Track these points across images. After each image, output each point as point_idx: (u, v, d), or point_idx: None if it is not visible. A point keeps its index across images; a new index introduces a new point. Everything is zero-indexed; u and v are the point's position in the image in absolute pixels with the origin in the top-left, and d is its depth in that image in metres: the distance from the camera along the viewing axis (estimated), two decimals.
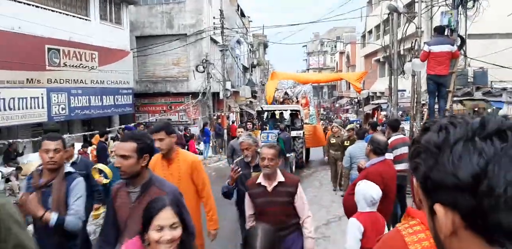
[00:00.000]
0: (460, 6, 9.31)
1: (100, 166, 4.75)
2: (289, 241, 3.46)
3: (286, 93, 19.61)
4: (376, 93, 30.32)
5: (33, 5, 12.99)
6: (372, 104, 30.27)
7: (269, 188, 3.45)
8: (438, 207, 0.68)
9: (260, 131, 13.84)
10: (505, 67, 11.41)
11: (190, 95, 21.31)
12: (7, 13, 11.65)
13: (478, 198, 0.62)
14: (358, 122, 25.92)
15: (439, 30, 8.35)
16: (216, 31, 21.37)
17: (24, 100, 12.06)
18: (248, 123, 13.09)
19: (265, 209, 3.46)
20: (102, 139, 10.36)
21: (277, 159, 3.47)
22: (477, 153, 0.64)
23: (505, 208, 0.60)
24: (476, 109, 13.02)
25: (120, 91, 17.53)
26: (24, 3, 12.63)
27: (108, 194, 3.04)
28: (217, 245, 5.45)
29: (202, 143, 18.49)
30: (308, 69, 69.55)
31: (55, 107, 13.42)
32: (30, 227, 3.39)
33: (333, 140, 10.92)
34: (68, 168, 3.27)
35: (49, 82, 13.28)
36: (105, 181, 4.57)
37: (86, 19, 15.85)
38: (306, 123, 15.71)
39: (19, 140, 11.52)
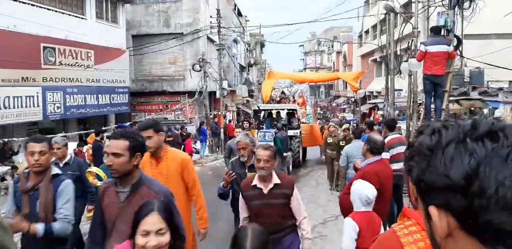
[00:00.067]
0: (457, 6, 9.33)
1: (95, 169, 4.74)
2: (286, 243, 3.44)
3: (283, 92, 19.61)
4: (372, 92, 30.39)
5: (28, 4, 12.92)
6: (369, 103, 30.33)
7: (265, 191, 3.38)
8: (432, 210, 0.68)
9: (257, 130, 13.83)
10: (501, 67, 11.45)
11: (187, 94, 21.27)
12: (2, 12, 11.59)
13: (470, 198, 0.63)
14: (355, 121, 25.96)
15: (436, 30, 8.37)
16: (213, 30, 21.33)
17: (19, 99, 12.01)
18: (245, 122, 13.06)
19: (261, 212, 3.40)
20: (98, 138, 10.32)
21: (273, 160, 3.40)
22: (468, 154, 0.65)
23: (496, 208, 0.61)
24: (472, 108, 13.06)
25: (116, 90, 17.47)
26: (20, 2, 12.56)
27: None
28: (212, 246, 5.45)
29: (198, 142, 18.48)
30: (305, 69, 69.61)
31: (51, 106, 13.36)
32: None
33: (330, 140, 10.93)
34: (55, 170, 3.20)
35: (44, 80, 13.22)
36: (99, 183, 4.55)
37: (82, 18, 15.78)
38: (303, 122, 15.72)
39: (14, 139, 11.48)
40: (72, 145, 11.29)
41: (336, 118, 33.29)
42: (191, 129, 19.66)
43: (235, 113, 28.74)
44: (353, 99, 38.33)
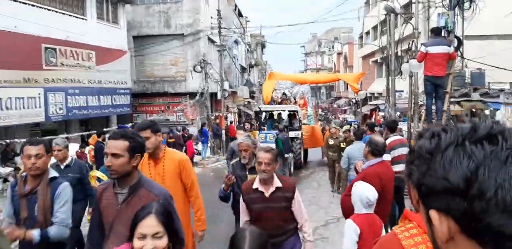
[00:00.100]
0: (457, 7, 9.34)
1: (98, 174, 4.74)
2: (288, 246, 3.42)
3: (284, 94, 19.64)
4: (374, 93, 30.37)
5: (29, 4, 12.95)
6: (370, 105, 30.30)
7: (267, 194, 3.34)
8: (433, 213, 0.69)
9: (258, 131, 13.84)
10: (502, 68, 11.44)
11: (188, 95, 21.28)
12: (3, 13, 11.61)
13: (469, 201, 0.63)
14: (356, 122, 25.95)
15: (436, 31, 8.37)
16: (213, 31, 21.36)
17: (21, 100, 12.02)
18: (246, 123, 13.12)
19: (262, 215, 3.36)
20: (100, 139, 10.34)
21: (274, 163, 3.36)
22: (467, 157, 0.65)
23: (496, 211, 0.61)
24: (473, 110, 13.03)
25: (118, 91, 17.50)
26: (21, 2, 12.59)
27: None
28: (213, 248, 5.45)
29: (200, 143, 18.48)
30: (306, 70, 69.59)
31: (53, 107, 13.38)
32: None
33: (331, 142, 10.87)
34: (52, 173, 3.15)
35: (46, 81, 13.24)
36: None
37: (83, 19, 15.81)
38: (304, 124, 15.72)
39: (16, 140, 11.49)
40: (74, 147, 11.31)
41: (338, 119, 33.29)
42: (193, 130, 19.66)
43: (236, 114, 28.75)
44: (354, 100, 38.29)
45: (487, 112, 12.32)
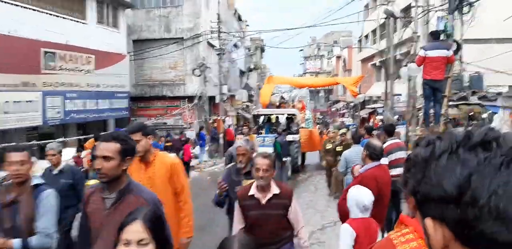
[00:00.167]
0: (456, 11, 9.35)
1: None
2: None
3: (282, 97, 19.64)
4: (372, 97, 30.41)
5: (29, 8, 12.97)
6: (368, 108, 30.35)
7: (263, 201, 3.28)
8: (428, 221, 0.68)
9: (256, 135, 13.82)
10: (500, 72, 11.46)
11: (187, 99, 21.29)
12: (3, 16, 11.63)
13: (462, 208, 0.63)
14: (354, 126, 25.96)
15: (435, 35, 8.38)
16: (213, 35, 21.40)
17: (19, 104, 12.00)
18: (244, 127, 13.11)
19: (258, 222, 3.29)
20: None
21: (272, 169, 3.29)
22: (461, 164, 0.65)
23: (489, 218, 0.60)
24: (471, 113, 13.05)
25: (116, 94, 17.48)
26: (21, 6, 12.60)
27: None
28: None
29: (197, 147, 18.45)
30: (304, 73, 69.72)
31: (50, 111, 13.36)
32: None
33: (329, 146, 10.72)
34: (36, 180, 3.03)
35: (44, 85, 13.23)
36: None
37: (82, 23, 15.83)
38: (302, 127, 15.71)
39: (13, 144, 11.45)
40: (70, 152, 11.28)
41: (336, 122, 33.32)
42: (191, 134, 19.64)
43: (234, 118, 28.76)
44: (352, 104, 38.35)
45: (485, 115, 12.33)
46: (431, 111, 8.51)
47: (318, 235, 7.10)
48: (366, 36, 34.17)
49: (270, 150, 11.09)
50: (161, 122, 20.81)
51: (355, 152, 6.78)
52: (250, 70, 39.97)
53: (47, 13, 13.81)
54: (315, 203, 9.69)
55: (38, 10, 13.39)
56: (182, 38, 21.34)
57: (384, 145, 5.54)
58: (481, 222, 0.61)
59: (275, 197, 3.27)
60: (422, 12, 12.21)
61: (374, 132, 9.21)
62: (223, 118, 22.18)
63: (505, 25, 14.77)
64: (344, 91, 41.41)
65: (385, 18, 15.75)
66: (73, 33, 14.67)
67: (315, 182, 12.90)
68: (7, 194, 2.92)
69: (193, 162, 16.51)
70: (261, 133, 14.58)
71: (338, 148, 9.34)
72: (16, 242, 2.72)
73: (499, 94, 11.37)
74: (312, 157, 16.68)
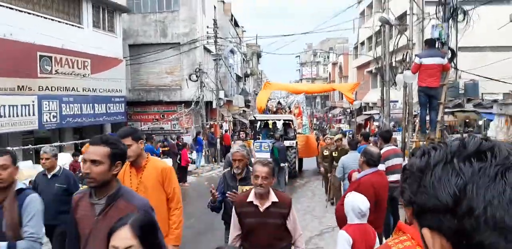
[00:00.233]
0: (451, 19, 9.44)
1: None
2: None
3: (279, 103, 19.69)
4: (368, 103, 30.54)
5: (25, 12, 12.95)
6: (365, 114, 30.47)
7: (261, 208, 3.22)
8: (425, 232, 0.68)
9: (253, 140, 13.83)
10: (495, 80, 11.55)
11: (183, 104, 21.27)
12: None
13: (459, 219, 0.62)
14: (350, 132, 26.03)
15: (430, 43, 8.46)
16: (209, 40, 21.46)
17: (15, 108, 11.94)
18: (241, 132, 13.12)
19: (255, 230, 3.23)
20: None
21: (272, 177, 3.24)
22: (455, 175, 0.64)
23: (486, 228, 0.60)
24: (467, 120, 13.13)
25: (112, 99, 17.44)
26: (16, 10, 12.59)
27: None
28: None
29: (194, 152, 18.42)
30: (301, 79, 69.92)
31: (46, 115, 13.30)
32: None
33: (326, 152, 10.71)
34: (19, 184, 2.93)
35: (40, 89, 13.18)
36: None
37: (79, 27, 15.82)
38: (299, 133, 15.74)
39: (9, 148, 11.38)
40: (65, 156, 11.23)
41: (333, 128, 33.39)
42: (188, 139, 19.60)
43: (231, 123, 28.78)
44: (349, 110, 38.47)
45: (480, 122, 12.41)
46: (427, 118, 8.57)
47: (316, 241, 7.10)
48: (362, 43, 34.38)
49: (267, 155, 11.10)
50: (157, 127, 20.76)
51: (352, 158, 6.80)
52: (246, 75, 40.08)
53: (43, 17, 13.79)
54: (313, 209, 9.69)
55: (34, 14, 13.37)
56: (179, 43, 21.38)
57: (381, 152, 5.57)
58: (479, 232, 0.60)
59: (274, 205, 3.23)
60: (417, 20, 12.30)
61: (371, 139, 9.25)
62: (220, 123, 22.19)
63: (499, 34, 14.93)
64: (341, 97, 41.57)
65: (381, 26, 15.87)
66: (69, 37, 14.65)
67: (312, 187, 12.91)
68: None
69: (191, 167, 16.47)
70: (258, 139, 14.59)
71: (334, 154, 9.34)
72: (2, 245, 2.65)
73: (495, 101, 11.46)
74: (309, 163, 16.70)
